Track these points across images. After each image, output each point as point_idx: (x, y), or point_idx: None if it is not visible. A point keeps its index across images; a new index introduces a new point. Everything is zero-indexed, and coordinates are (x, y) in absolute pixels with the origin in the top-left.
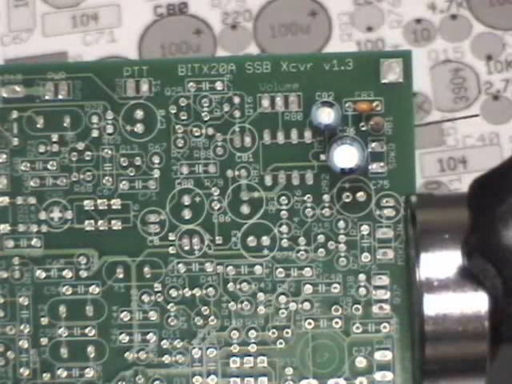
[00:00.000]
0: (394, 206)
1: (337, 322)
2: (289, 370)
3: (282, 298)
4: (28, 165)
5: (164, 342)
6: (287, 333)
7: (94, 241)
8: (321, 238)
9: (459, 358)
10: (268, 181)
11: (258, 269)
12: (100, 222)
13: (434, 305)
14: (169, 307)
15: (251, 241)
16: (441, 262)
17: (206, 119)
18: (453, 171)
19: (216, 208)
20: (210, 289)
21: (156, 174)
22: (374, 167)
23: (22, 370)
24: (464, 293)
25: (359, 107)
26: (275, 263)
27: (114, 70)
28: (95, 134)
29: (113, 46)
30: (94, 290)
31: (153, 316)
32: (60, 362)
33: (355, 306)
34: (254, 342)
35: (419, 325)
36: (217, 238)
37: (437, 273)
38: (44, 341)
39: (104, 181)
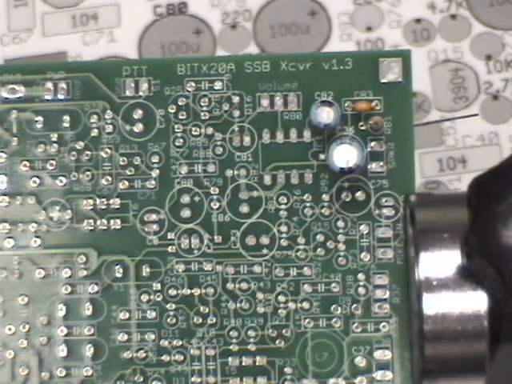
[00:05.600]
0: (393, 205)
1: (336, 322)
2: (288, 370)
3: (281, 298)
4: (27, 164)
5: (163, 341)
6: (286, 332)
7: (92, 240)
8: (320, 238)
9: (458, 357)
10: (267, 180)
11: (257, 268)
12: (99, 222)
13: (434, 304)
14: (168, 306)
15: (250, 240)
16: (440, 262)
17: (205, 119)
18: (452, 171)
19: (215, 207)
20: (209, 288)
21: (155, 173)
22: (374, 167)
23: (20, 369)
24: (463, 292)
25: (358, 107)
26: (274, 262)
27: (113, 70)
28: (94, 133)
29: (112, 46)
30: (93, 289)
31: (152, 315)
32: (59, 361)
33: (354, 305)
34: (253, 342)
35: (418, 324)
36: (216, 237)
37: (436, 272)
38: (43, 340)
39: (103, 180)
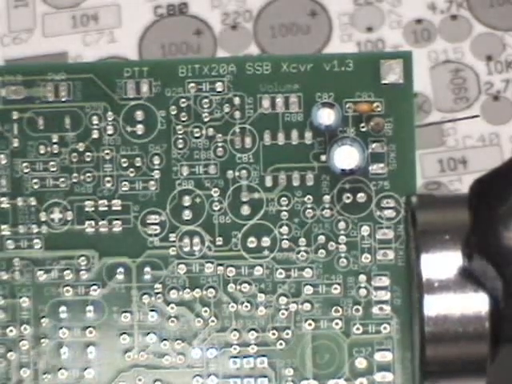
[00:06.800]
0: (394, 206)
1: (337, 323)
2: (289, 371)
3: (283, 299)
4: (28, 166)
5: (164, 343)
6: (287, 334)
7: (94, 242)
8: (321, 239)
9: (459, 358)
10: (268, 182)
11: (258, 270)
12: (100, 223)
13: (435, 306)
14: (169, 308)
15: (251, 242)
16: (441, 263)
17: (206, 120)
18: (453, 172)
19: (216, 209)
20: (211, 290)
21: (156, 174)
22: (375, 168)
23: (22, 371)
24: (464, 294)
25: (359, 108)
26: (275, 264)
27: (114, 71)
28: (95, 134)
29: (113, 47)
30: (95, 291)
31: (153, 317)
32: (60, 363)
33: (355, 306)
34: (254, 343)
35: (419, 326)
36: (217, 238)
37: (437, 273)
38: (45, 342)
39: (104, 182)
